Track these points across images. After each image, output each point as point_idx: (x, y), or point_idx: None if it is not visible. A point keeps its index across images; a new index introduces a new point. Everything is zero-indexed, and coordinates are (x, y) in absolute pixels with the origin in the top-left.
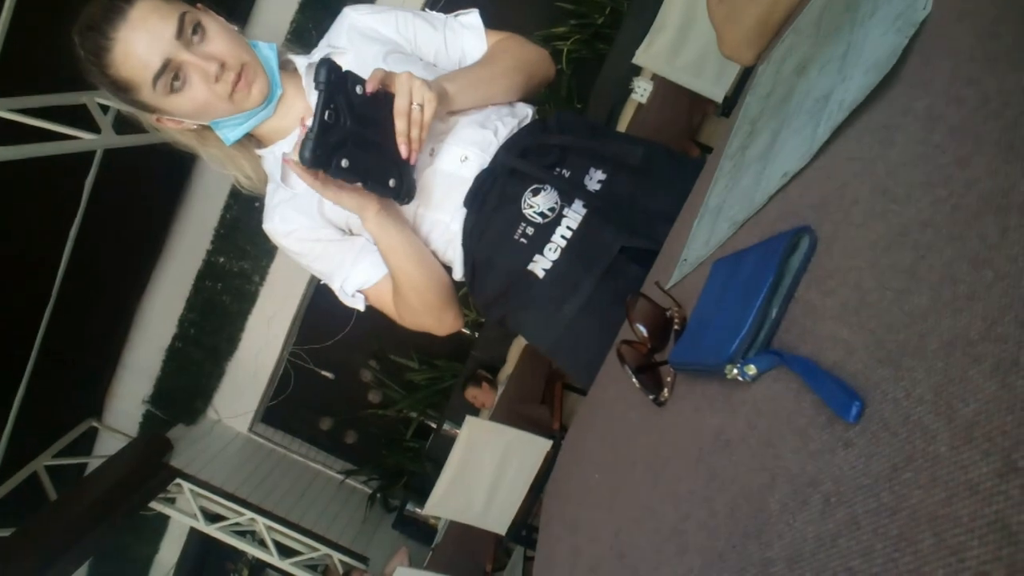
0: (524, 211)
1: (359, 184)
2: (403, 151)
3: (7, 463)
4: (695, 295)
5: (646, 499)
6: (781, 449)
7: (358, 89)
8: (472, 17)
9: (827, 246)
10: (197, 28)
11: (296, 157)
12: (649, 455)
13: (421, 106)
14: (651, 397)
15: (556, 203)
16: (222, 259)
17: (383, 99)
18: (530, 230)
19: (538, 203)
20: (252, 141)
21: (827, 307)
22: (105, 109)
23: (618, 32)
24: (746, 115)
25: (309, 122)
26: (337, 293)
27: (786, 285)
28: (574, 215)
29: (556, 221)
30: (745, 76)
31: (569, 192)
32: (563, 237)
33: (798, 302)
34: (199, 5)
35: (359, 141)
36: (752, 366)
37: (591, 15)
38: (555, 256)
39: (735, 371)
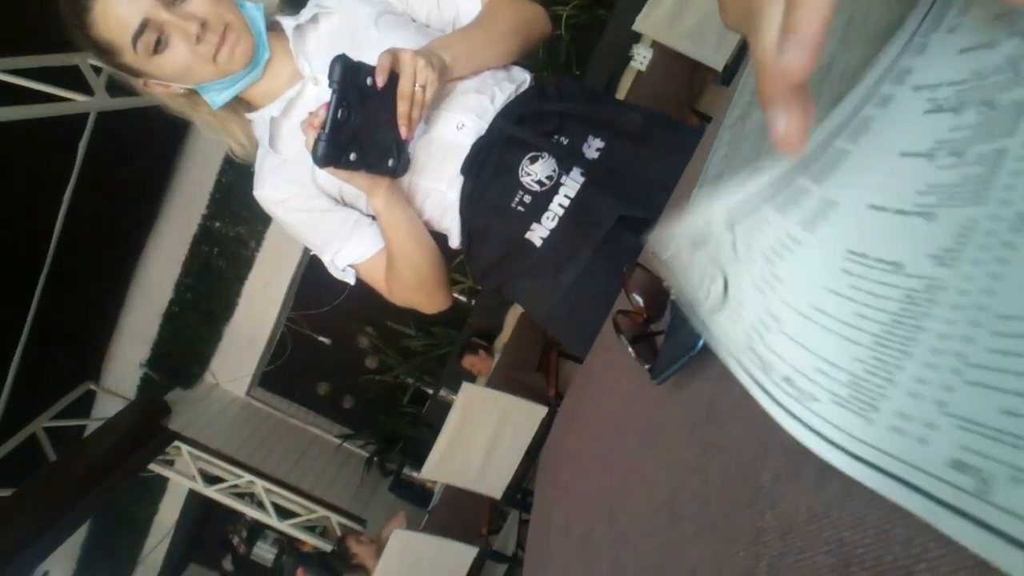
0: (521, 179)
1: (362, 171)
2: (403, 132)
3: (6, 424)
4: None
5: (639, 468)
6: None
7: (368, 81)
8: None
9: None
10: None
11: (308, 147)
12: (642, 424)
13: (423, 87)
14: (647, 367)
15: (554, 171)
16: (218, 224)
17: (386, 80)
18: (528, 198)
19: (536, 171)
20: (242, 105)
21: None
22: (98, 71)
23: None
24: (746, 85)
25: (321, 113)
26: (327, 266)
27: None
28: (572, 183)
29: (554, 189)
30: (745, 45)
31: (567, 160)
32: (561, 205)
33: None
34: None
35: (364, 130)
36: None
37: None
38: (553, 224)
39: None
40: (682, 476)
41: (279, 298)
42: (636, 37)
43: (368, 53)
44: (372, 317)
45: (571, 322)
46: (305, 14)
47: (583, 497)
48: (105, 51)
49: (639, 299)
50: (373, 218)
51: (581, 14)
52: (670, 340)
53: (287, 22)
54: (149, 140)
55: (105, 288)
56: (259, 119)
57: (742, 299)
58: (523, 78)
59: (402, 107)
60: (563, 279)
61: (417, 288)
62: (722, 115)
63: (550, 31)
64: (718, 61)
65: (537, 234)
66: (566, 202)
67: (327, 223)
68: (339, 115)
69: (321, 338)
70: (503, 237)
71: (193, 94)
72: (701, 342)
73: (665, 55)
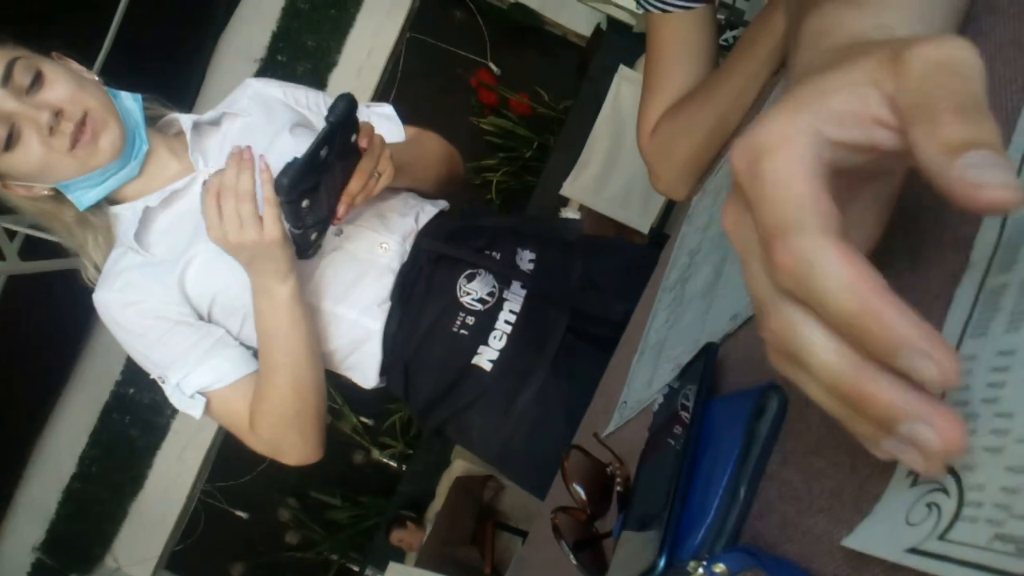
0: (461, 299)
1: (293, 229)
2: (341, 211)
3: None
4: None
5: None
6: None
7: (352, 138)
8: (387, 108)
9: (800, 411)
10: (36, 77)
11: (260, 182)
12: None
13: (379, 175)
14: None
15: (494, 287)
16: (132, 390)
17: (349, 152)
18: (471, 319)
19: (475, 289)
20: (107, 203)
21: (814, 495)
22: (12, 235)
23: (545, 165)
24: (683, 246)
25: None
26: (169, 393)
27: (755, 458)
28: (515, 297)
29: (497, 306)
30: (670, 207)
31: (505, 274)
32: (507, 322)
33: (773, 481)
34: (54, 54)
35: (320, 190)
36: (721, 564)
37: (519, 149)
38: (501, 344)
39: (700, 570)
40: None
41: (194, 469)
42: (564, 201)
43: (276, 157)
44: (295, 487)
45: (528, 455)
46: (209, 114)
47: None
48: None
49: (580, 490)
50: (250, 347)
51: (511, 179)
52: (621, 552)
53: (184, 119)
54: (61, 305)
55: (0, 465)
56: (127, 211)
57: (981, 480)
58: (443, 203)
59: (355, 185)
60: (519, 403)
61: (294, 420)
62: (659, 277)
63: (464, 174)
64: (644, 224)
65: (485, 357)
66: (512, 318)
67: (182, 336)
68: (320, 152)
69: (238, 512)
70: (447, 366)
71: (59, 195)
72: (663, 562)
73: (592, 217)
